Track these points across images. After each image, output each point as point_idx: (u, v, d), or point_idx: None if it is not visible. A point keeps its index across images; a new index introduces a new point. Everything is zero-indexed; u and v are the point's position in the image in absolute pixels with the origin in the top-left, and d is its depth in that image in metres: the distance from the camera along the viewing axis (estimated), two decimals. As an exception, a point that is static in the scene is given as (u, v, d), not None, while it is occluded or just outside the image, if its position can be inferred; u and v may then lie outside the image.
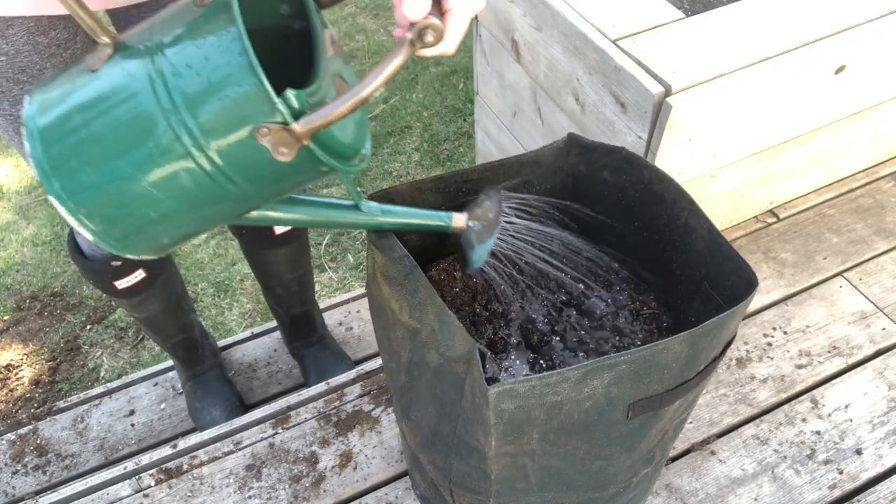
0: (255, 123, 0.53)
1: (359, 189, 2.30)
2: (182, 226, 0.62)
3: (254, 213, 0.67)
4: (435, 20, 0.57)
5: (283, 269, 1.38)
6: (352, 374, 1.32)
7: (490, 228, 0.76)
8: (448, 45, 0.60)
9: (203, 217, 0.61)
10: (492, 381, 0.64)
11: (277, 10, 0.65)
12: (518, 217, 0.81)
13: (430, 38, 0.57)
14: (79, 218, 0.59)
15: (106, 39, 0.57)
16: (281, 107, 0.52)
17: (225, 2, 0.54)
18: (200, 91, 0.53)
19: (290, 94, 0.54)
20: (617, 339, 0.89)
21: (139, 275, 1.19)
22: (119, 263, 1.14)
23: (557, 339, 0.88)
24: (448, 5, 0.58)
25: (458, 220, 0.77)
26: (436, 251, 0.96)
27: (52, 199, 0.58)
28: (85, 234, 0.60)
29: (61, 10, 0.83)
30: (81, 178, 0.57)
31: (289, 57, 0.67)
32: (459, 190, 0.89)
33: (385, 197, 0.84)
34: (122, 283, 1.17)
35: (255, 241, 1.31)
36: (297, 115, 0.54)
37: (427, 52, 0.60)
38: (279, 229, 1.28)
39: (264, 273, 1.41)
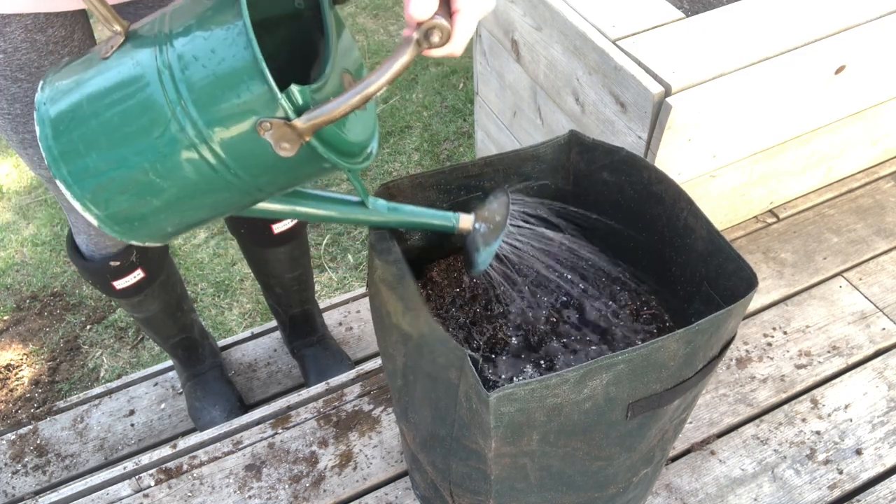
0: (258, 117, 0.53)
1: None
2: (185, 214, 0.62)
3: (259, 206, 0.67)
4: (442, 21, 0.56)
5: (282, 269, 1.38)
6: (352, 374, 1.32)
7: (496, 231, 0.75)
8: (455, 46, 0.60)
9: (207, 206, 0.62)
10: (487, 382, 0.64)
11: (292, 2, 0.66)
12: (524, 221, 0.80)
13: (436, 38, 0.57)
14: (84, 203, 0.59)
15: (118, 28, 0.58)
16: (283, 102, 0.52)
17: None
18: (205, 83, 0.53)
19: (295, 89, 0.53)
20: (617, 339, 0.89)
21: (138, 275, 1.18)
22: (118, 264, 1.14)
23: (558, 340, 0.88)
24: (456, 6, 0.58)
25: (465, 221, 0.77)
26: (438, 251, 0.96)
27: (59, 183, 0.58)
28: (90, 219, 0.60)
29: (59, 8, 0.83)
30: (88, 163, 0.57)
31: (303, 48, 0.67)
32: (460, 186, 0.90)
33: (385, 192, 0.84)
34: (120, 284, 1.17)
35: (255, 240, 1.31)
36: (300, 111, 0.54)
37: (434, 53, 0.60)
38: (278, 228, 1.28)
39: (264, 272, 1.41)
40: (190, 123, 0.54)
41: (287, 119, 0.53)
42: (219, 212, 0.64)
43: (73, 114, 0.57)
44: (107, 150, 0.57)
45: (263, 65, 0.51)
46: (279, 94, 0.52)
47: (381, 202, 0.75)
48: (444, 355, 0.69)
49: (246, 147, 0.56)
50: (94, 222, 0.61)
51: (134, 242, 0.64)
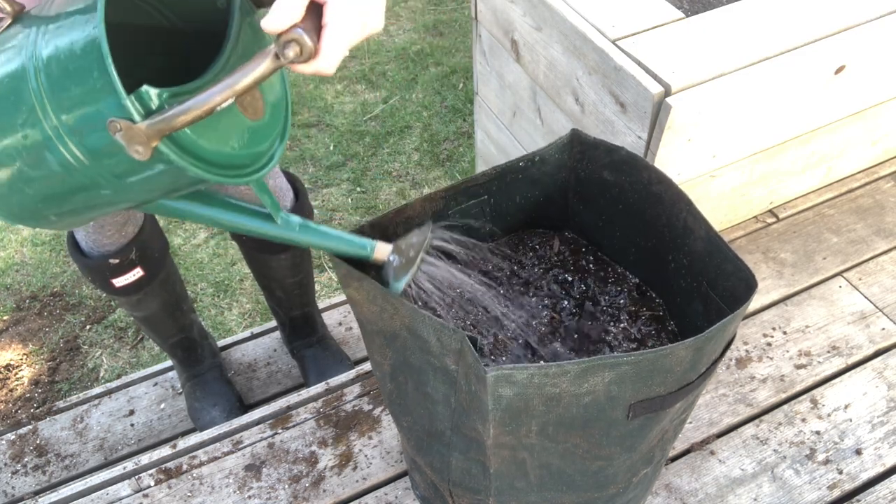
0: (108, 117, 0.51)
1: (359, 189, 2.31)
2: (63, 207, 0.60)
3: (156, 205, 0.65)
4: (301, 34, 0.52)
5: (284, 274, 1.37)
6: (351, 374, 1.32)
7: (406, 267, 0.75)
8: (322, 64, 0.54)
9: (84, 202, 0.60)
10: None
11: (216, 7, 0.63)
12: (440, 259, 0.79)
13: (291, 53, 0.53)
14: None
15: (7, 8, 0.57)
16: (126, 102, 0.50)
17: None
18: (62, 77, 0.52)
19: (149, 91, 0.51)
20: (617, 340, 0.89)
21: (137, 273, 1.18)
22: (117, 261, 1.14)
23: (558, 340, 0.89)
24: (326, 19, 0.54)
25: (381, 252, 0.76)
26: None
27: None
28: None
29: None
30: None
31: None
32: (470, 195, 0.90)
33: (401, 213, 0.84)
34: (119, 281, 1.17)
35: (257, 246, 1.31)
36: (151, 114, 0.51)
37: (301, 69, 0.55)
38: None
39: (265, 277, 1.41)
40: (47, 116, 0.53)
41: (133, 121, 0.50)
42: (102, 208, 0.61)
43: None
44: None
45: (108, 60, 0.49)
46: (123, 93, 0.50)
47: (295, 218, 0.72)
48: (437, 343, 0.69)
49: (102, 146, 0.53)
50: None
51: (21, 225, 0.63)
